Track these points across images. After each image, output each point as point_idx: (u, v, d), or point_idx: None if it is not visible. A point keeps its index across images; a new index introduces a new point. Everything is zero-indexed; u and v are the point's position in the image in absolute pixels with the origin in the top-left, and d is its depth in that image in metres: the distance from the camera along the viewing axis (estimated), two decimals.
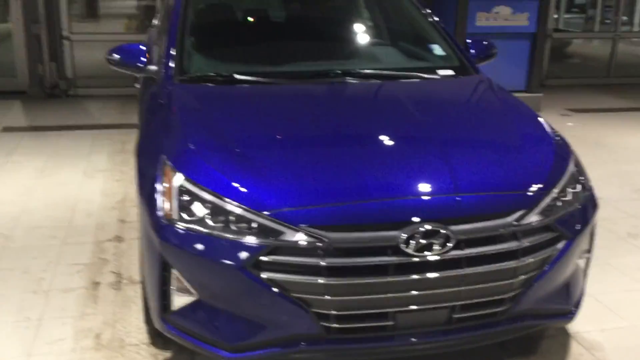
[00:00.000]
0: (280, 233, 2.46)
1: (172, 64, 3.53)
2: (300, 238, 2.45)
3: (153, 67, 3.65)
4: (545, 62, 10.02)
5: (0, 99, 8.34)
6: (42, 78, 8.62)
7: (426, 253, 2.49)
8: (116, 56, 3.70)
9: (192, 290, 2.61)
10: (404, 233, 2.47)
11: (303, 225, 2.46)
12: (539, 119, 3.31)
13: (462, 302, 2.60)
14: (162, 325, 2.72)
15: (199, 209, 2.57)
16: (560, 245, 2.74)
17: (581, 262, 3.04)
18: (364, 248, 2.47)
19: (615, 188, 5.59)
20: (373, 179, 2.61)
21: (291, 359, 2.62)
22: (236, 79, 3.49)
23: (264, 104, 3.30)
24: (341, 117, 3.14)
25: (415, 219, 2.50)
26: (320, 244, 2.44)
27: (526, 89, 8.56)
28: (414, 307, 2.57)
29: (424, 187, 2.63)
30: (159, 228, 2.60)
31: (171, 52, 3.59)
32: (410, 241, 2.47)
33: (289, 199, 2.52)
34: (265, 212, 2.49)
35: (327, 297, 2.47)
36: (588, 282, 3.76)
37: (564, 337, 3.27)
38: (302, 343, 2.56)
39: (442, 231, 2.49)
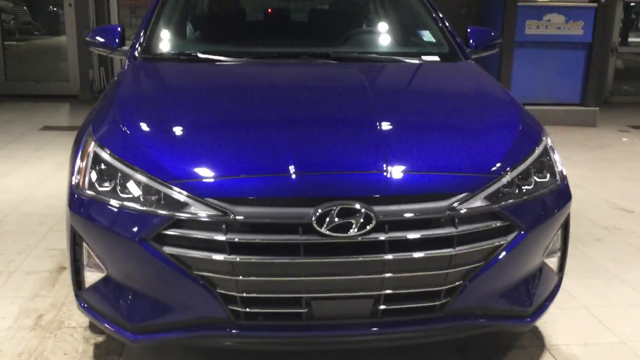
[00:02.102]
0: (185, 205, 2.27)
1: (140, 43, 3.44)
2: (205, 210, 2.25)
3: (125, 48, 3.57)
4: (610, 77, 9.43)
5: (52, 102, 8.65)
6: (92, 83, 8.83)
7: (342, 233, 2.23)
8: (94, 37, 3.66)
9: (101, 265, 2.45)
10: (318, 210, 2.23)
11: (209, 198, 2.26)
12: (515, 106, 2.98)
13: (387, 292, 2.32)
14: (77, 303, 2.58)
15: (110, 179, 2.42)
16: (511, 236, 2.42)
17: (550, 261, 2.69)
18: (273, 225, 2.25)
19: None
20: (293, 154, 2.38)
21: (198, 344, 2.41)
22: (200, 58, 3.36)
23: (214, 81, 3.14)
24: (287, 97, 2.93)
25: (331, 195, 2.25)
26: (224, 218, 2.23)
27: (581, 102, 8.06)
28: (330, 294, 2.31)
29: (348, 163, 2.38)
30: (70, 198, 2.48)
31: (142, 32, 3.51)
32: (326, 220, 2.23)
33: (198, 171, 2.34)
34: (171, 182, 2.31)
35: (231, 276, 2.25)
36: (585, 294, 3.40)
37: (536, 348, 2.90)
38: (209, 328, 2.35)
39: (362, 210, 2.23)
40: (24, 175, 5.46)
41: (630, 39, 10.65)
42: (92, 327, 2.98)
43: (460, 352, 2.83)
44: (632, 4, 10.35)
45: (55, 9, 10.68)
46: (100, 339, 2.91)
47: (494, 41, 3.85)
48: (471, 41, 3.78)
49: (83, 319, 3.06)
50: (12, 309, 3.19)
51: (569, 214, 2.71)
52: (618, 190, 5.33)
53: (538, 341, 2.96)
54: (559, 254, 2.73)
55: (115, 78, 3.35)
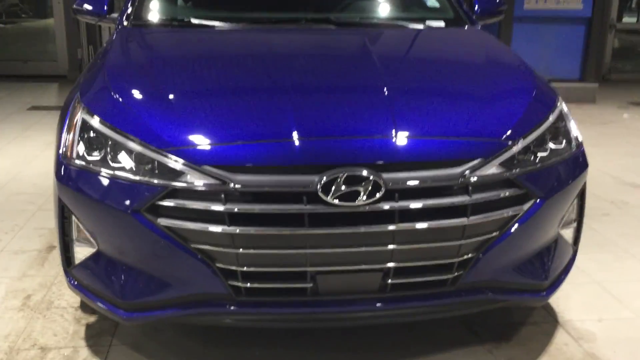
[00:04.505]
0: (181, 173, 2.12)
1: (129, 9, 3.26)
2: (202, 179, 2.10)
3: (114, 15, 3.39)
4: (608, 54, 9.29)
5: (41, 82, 8.45)
6: (80, 62, 8.63)
7: (349, 202, 2.08)
8: (81, 4, 3.48)
9: (92, 240, 2.30)
10: (323, 177, 2.08)
11: (206, 165, 2.11)
12: (527, 70, 2.83)
13: (397, 265, 2.18)
14: (67, 281, 2.43)
15: (99, 147, 2.26)
16: (527, 205, 2.28)
17: (565, 233, 2.55)
18: (275, 194, 2.10)
19: None
20: (296, 118, 2.23)
21: (195, 322, 2.26)
22: (193, 24, 3.19)
23: (209, 47, 2.97)
24: (288, 62, 2.75)
25: (338, 162, 2.10)
26: (223, 187, 2.08)
27: (580, 78, 7.92)
28: (337, 267, 2.17)
29: (355, 128, 2.22)
30: (58, 169, 2.32)
31: None
32: (332, 188, 2.08)
33: (194, 137, 2.18)
34: (166, 150, 2.15)
35: (231, 249, 2.11)
36: (595, 269, 3.27)
37: (549, 325, 2.78)
38: (207, 305, 2.21)
39: (370, 177, 2.08)
40: (12, 155, 5.29)
41: (624, 19, 10.53)
42: (84, 307, 2.84)
43: (470, 329, 2.70)
44: None
45: None
46: (92, 319, 2.76)
47: (499, 8, 3.69)
48: (476, 7, 3.61)
49: (74, 299, 2.92)
50: None
51: (585, 183, 2.57)
52: (622, 165, 5.21)
53: (551, 317, 2.83)
54: (574, 225, 2.60)
55: (104, 46, 3.18)
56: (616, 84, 9.15)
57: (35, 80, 8.51)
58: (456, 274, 2.24)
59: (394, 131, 2.20)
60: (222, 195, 2.09)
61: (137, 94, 2.44)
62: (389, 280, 2.21)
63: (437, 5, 3.55)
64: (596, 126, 6.64)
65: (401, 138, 2.18)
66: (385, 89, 2.43)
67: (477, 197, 2.18)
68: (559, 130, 2.49)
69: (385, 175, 2.10)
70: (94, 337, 2.65)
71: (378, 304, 2.24)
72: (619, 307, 2.94)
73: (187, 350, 2.55)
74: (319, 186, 2.07)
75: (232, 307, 2.20)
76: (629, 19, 12.24)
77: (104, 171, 2.20)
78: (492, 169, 2.21)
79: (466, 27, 3.35)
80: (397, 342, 2.60)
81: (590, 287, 3.12)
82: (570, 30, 7.79)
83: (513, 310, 2.84)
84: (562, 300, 2.95)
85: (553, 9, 7.64)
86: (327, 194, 2.07)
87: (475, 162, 2.19)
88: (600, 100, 7.85)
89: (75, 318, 2.78)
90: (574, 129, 2.59)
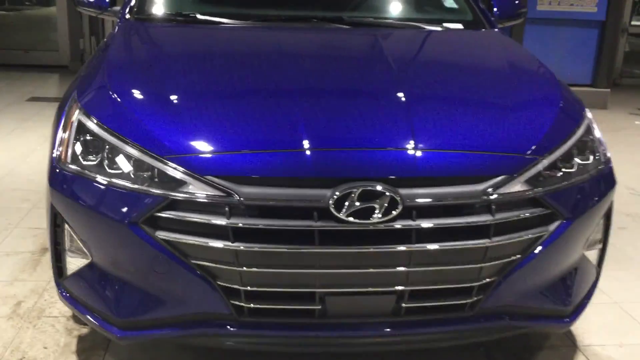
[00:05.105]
0: (182, 183, 1.96)
1: (132, 1, 3.10)
2: (205, 190, 1.94)
3: (116, 8, 3.23)
4: (620, 59, 9.11)
5: (41, 72, 8.29)
6: (82, 53, 8.47)
7: (363, 220, 1.92)
8: None
9: (85, 250, 2.15)
10: (336, 192, 1.92)
11: (210, 175, 1.95)
12: (553, 79, 2.67)
13: (413, 288, 2.03)
14: (58, 293, 2.27)
15: (96, 152, 2.10)
16: (554, 226, 2.12)
17: (590, 254, 2.39)
18: (283, 208, 1.94)
19: None
20: (308, 127, 2.06)
21: (194, 344, 2.11)
22: (199, 20, 3.02)
23: (216, 46, 2.81)
24: (299, 64, 2.58)
25: (352, 176, 1.94)
26: (227, 199, 1.92)
27: (592, 83, 7.75)
28: (348, 289, 2.01)
29: (371, 139, 2.07)
30: (51, 173, 2.16)
31: None
32: (345, 203, 1.92)
33: (198, 144, 2.02)
34: (167, 157, 1.99)
35: (235, 267, 1.95)
36: (615, 288, 3.11)
37: (568, 350, 2.62)
38: (207, 325, 2.05)
39: (386, 193, 1.92)
40: (8, 148, 5.13)
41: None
42: (76, 318, 2.68)
43: (487, 354, 2.55)
44: None
45: None
46: (84, 330, 2.62)
47: (519, 10, 3.53)
48: (495, 9, 3.44)
49: (66, 308, 2.75)
50: None
51: (612, 201, 2.41)
52: (637, 175, 5.05)
53: (569, 341, 2.68)
54: (599, 245, 2.44)
55: (105, 40, 3.01)
56: (626, 89, 8.98)
57: (36, 71, 8.34)
58: (475, 298, 2.09)
59: (412, 143, 2.04)
60: (226, 209, 1.93)
61: (138, 95, 2.28)
62: (403, 304, 2.05)
63: (455, 6, 3.38)
64: (608, 133, 6.42)
65: (420, 151, 2.02)
66: (402, 97, 2.27)
67: (501, 216, 2.02)
68: (587, 145, 2.34)
69: (402, 191, 1.95)
70: (86, 350, 2.50)
71: (391, 329, 2.09)
72: None
73: None
74: (331, 201, 1.91)
75: (233, 329, 2.05)
76: (635, 22, 12.06)
77: (100, 178, 2.05)
78: (517, 186, 2.05)
79: (485, 30, 3.18)
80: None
81: (611, 309, 2.97)
82: (583, 34, 7.62)
83: (530, 333, 2.68)
84: (581, 322, 2.78)
85: (567, 11, 7.46)
86: (339, 210, 1.91)
87: (500, 178, 2.03)
88: (611, 106, 7.69)
89: (66, 329, 2.63)
90: (602, 143, 2.43)
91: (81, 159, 2.11)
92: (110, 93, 2.27)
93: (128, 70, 2.47)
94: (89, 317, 2.17)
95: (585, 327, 2.76)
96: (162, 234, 1.97)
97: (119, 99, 2.23)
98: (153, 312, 2.07)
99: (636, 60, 10.14)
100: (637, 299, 3.07)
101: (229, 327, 2.05)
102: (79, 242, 2.15)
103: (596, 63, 7.67)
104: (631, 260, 3.49)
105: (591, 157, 2.32)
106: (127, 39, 2.84)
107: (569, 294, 2.28)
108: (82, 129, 2.16)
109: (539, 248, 2.10)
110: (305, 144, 1.99)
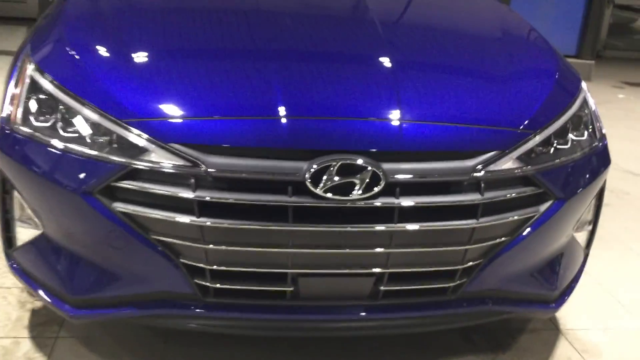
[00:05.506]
0: (143, 151, 1.78)
1: None
2: (168, 159, 1.76)
3: None
4: (604, 31, 8.98)
5: (7, 25, 7.93)
6: (51, 4, 8.10)
7: (342, 196, 1.76)
8: None
9: (36, 220, 1.96)
10: (313, 165, 1.75)
11: (175, 143, 1.76)
12: (549, 49, 2.50)
13: (392, 270, 1.88)
14: (8, 265, 2.09)
15: (50, 113, 1.90)
16: (545, 206, 1.98)
17: (579, 236, 2.27)
18: (255, 181, 1.76)
19: None
20: (284, 92, 1.88)
21: (154, 325, 1.95)
22: None
23: (196, 2, 2.56)
24: (276, 23, 2.34)
25: (331, 148, 1.77)
26: (193, 170, 1.74)
27: (576, 54, 7.62)
28: (322, 270, 1.86)
29: (352, 108, 1.89)
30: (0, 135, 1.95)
31: None
32: (323, 178, 1.75)
33: (162, 108, 1.83)
34: (127, 121, 1.80)
35: (200, 244, 1.78)
36: (600, 268, 3.01)
37: (551, 334, 2.51)
38: (168, 305, 1.89)
39: (368, 168, 1.76)
40: None
41: None
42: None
43: (465, 337, 2.42)
44: None
45: None
46: (39, 304, 2.43)
47: None
48: None
49: None
50: None
51: (605, 181, 2.28)
52: (620, 151, 4.92)
53: (552, 324, 2.57)
54: (589, 227, 2.31)
55: None
56: (610, 61, 8.90)
57: (2, 23, 7.98)
58: (458, 282, 1.95)
59: (398, 113, 1.87)
60: (192, 180, 1.75)
61: (97, 51, 2.06)
62: (382, 287, 1.90)
63: None
64: None
65: (406, 122, 1.86)
66: (388, 63, 2.09)
67: (490, 195, 1.87)
68: (582, 120, 2.19)
69: (385, 166, 1.78)
70: (39, 325, 2.32)
71: (367, 313, 1.94)
72: (627, 316, 2.68)
73: (146, 348, 2.24)
74: (307, 175, 1.74)
75: (197, 310, 1.89)
76: None
77: (53, 142, 1.85)
78: (508, 163, 1.90)
79: None
80: (385, 349, 2.31)
81: (594, 290, 2.87)
82: (569, 3, 7.45)
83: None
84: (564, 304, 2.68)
85: None
86: (316, 185, 1.75)
87: (490, 154, 1.88)
88: (595, 78, 7.59)
89: (19, 301, 2.45)
90: (598, 118, 2.28)
91: (33, 120, 1.91)
92: (67, 48, 2.06)
93: (87, 24, 2.25)
94: (40, 292, 2.00)
95: (567, 310, 2.65)
96: (119, 206, 1.79)
97: (76, 55, 2.02)
98: (109, 290, 1.90)
99: (620, 32, 10.03)
100: (621, 280, 2.97)
101: (192, 308, 1.89)
102: (29, 211, 1.96)
103: (581, 34, 7.54)
104: (615, 240, 3.39)
105: (586, 133, 2.18)
106: None
107: (556, 278, 2.16)
108: (34, 87, 1.95)
109: (528, 230, 1.96)
110: (281, 111, 1.81)
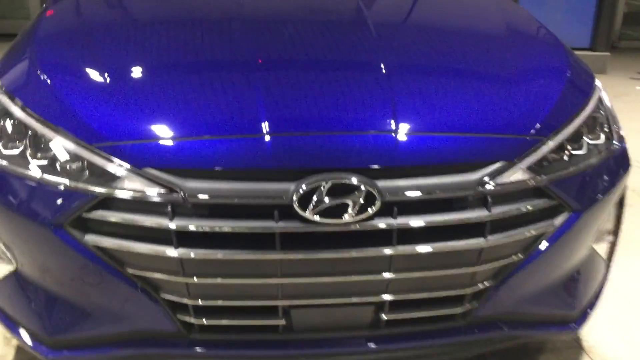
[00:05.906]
0: (115, 177, 1.62)
1: None
2: (142, 186, 1.60)
3: None
4: (619, 22, 8.74)
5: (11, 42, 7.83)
6: None
7: (334, 220, 1.59)
8: None
9: (9, 256, 1.82)
10: (301, 186, 1.58)
11: (149, 167, 1.61)
12: (559, 45, 2.33)
13: (394, 298, 1.71)
14: None
15: (19, 140, 1.76)
16: (560, 219, 1.80)
17: (600, 248, 2.08)
18: (237, 206, 1.61)
19: None
20: (268, 108, 1.71)
21: None
22: None
23: (158, 12, 2.40)
24: (259, 31, 2.17)
25: (320, 166, 1.61)
26: (170, 196, 1.59)
27: (590, 46, 7.39)
28: (316, 300, 1.69)
29: (343, 122, 1.72)
30: None
31: None
32: (312, 199, 1.58)
33: (134, 129, 1.68)
34: (97, 145, 1.65)
35: (180, 278, 1.63)
36: (623, 277, 2.81)
37: (572, 351, 2.34)
38: (151, 345, 1.74)
39: (362, 187, 1.59)
40: None
41: None
42: None
43: (480, 357, 2.24)
44: None
45: None
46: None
47: None
48: None
49: None
50: None
51: (625, 187, 2.09)
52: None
53: (573, 340, 2.38)
54: (610, 237, 2.12)
55: (43, 7, 2.64)
56: (626, 52, 8.65)
57: (7, 40, 7.90)
58: (468, 306, 1.78)
59: (393, 125, 1.70)
60: (169, 208, 1.60)
61: (69, 73, 1.92)
62: (383, 315, 1.74)
63: None
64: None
65: (402, 135, 1.69)
66: (383, 71, 1.91)
67: (498, 210, 1.69)
68: (597, 121, 2.01)
69: (381, 184, 1.62)
70: None
71: (369, 344, 1.77)
72: None
73: None
74: (295, 197, 1.58)
75: (182, 348, 1.73)
76: None
77: (21, 170, 1.71)
78: (517, 174, 1.73)
79: None
80: None
81: (617, 302, 2.68)
82: None
83: None
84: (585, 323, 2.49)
85: None
86: (305, 208, 1.58)
87: (496, 165, 1.70)
88: (611, 71, 7.36)
89: (5, 337, 2.32)
90: (615, 119, 2.10)
91: (1, 148, 1.77)
92: (38, 72, 1.91)
93: (59, 44, 2.10)
94: (15, 333, 1.86)
95: (589, 324, 2.46)
96: (92, 239, 1.64)
97: (47, 79, 1.87)
98: (88, 330, 1.76)
99: (635, 21, 9.77)
100: None
101: (176, 346, 1.74)
102: (1, 245, 1.82)
103: (595, 25, 7.31)
104: (639, 244, 3.19)
105: (602, 136, 1.99)
106: (60, 8, 2.45)
107: (576, 296, 1.98)
108: (3, 112, 1.82)
109: (543, 246, 1.78)
110: (264, 127, 1.65)
